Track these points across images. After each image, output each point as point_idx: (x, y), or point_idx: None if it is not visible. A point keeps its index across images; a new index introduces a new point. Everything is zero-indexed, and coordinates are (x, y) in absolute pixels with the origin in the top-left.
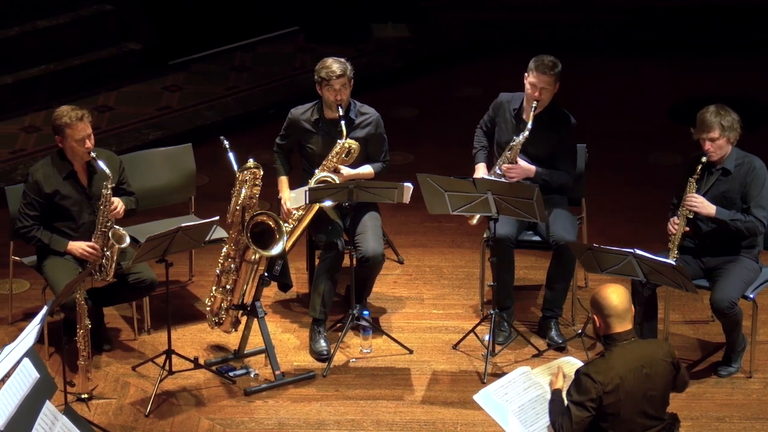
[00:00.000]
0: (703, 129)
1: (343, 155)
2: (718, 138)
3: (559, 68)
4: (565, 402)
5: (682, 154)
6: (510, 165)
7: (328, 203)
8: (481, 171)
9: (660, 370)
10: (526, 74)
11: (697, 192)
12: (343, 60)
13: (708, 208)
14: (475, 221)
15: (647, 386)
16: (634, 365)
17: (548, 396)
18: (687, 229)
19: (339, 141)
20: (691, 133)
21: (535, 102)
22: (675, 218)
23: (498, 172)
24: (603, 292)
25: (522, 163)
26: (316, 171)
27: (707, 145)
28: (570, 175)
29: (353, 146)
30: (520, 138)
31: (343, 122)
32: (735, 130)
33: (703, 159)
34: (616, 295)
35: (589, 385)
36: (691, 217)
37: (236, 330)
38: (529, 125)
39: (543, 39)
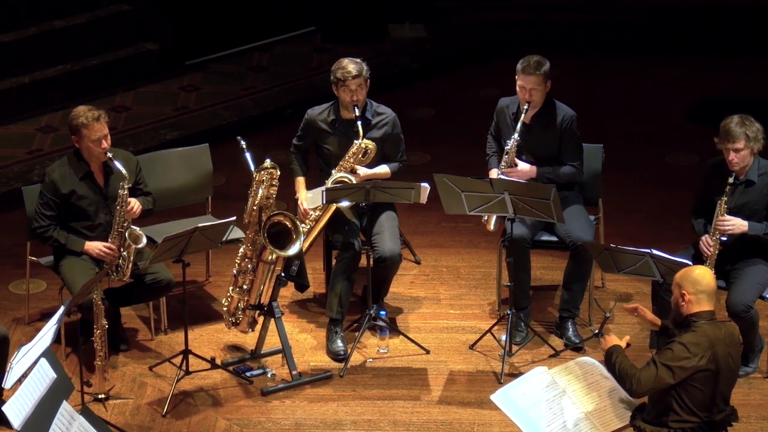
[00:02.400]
0: (728, 139)
1: (360, 155)
2: (743, 149)
3: (546, 67)
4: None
5: (699, 155)
6: (509, 169)
7: (345, 203)
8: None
9: (738, 352)
10: (516, 77)
11: (726, 208)
12: (358, 60)
13: (740, 227)
14: (491, 227)
15: (730, 366)
16: (721, 343)
17: (565, 396)
18: (721, 248)
19: (355, 141)
20: (714, 142)
21: (526, 104)
22: (707, 238)
23: (502, 177)
24: (697, 270)
25: (522, 165)
26: (333, 171)
27: (731, 156)
28: (576, 167)
29: (370, 146)
30: (512, 141)
31: (359, 122)
32: (759, 140)
33: (730, 180)
34: (708, 274)
35: (683, 353)
36: (725, 239)
37: (253, 330)
38: (518, 127)
39: (559, 39)
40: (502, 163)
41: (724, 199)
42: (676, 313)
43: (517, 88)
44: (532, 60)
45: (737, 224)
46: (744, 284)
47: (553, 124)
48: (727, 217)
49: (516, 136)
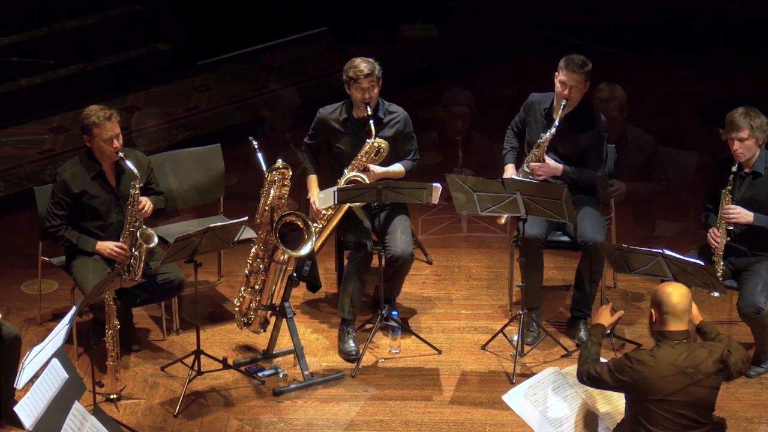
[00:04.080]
0: (732, 129)
1: (373, 154)
2: (747, 138)
3: (589, 67)
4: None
5: (712, 155)
6: (537, 163)
7: (357, 203)
8: (509, 172)
9: (706, 377)
10: (556, 73)
11: (732, 200)
12: (371, 60)
13: (746, 216)
14: (503, 220)
15: (689, 390)
16: (678, 366)
17: (576, 396)
18: (729, 239)
19: (368, 140)
20: (719, 133)
21: (564, 101)
22: (714, 230)
23: (526, 170)
24: (665, 289)
25: (549, 161)
26: (345, 171)
27: (735, 145)
28: (599, 173)
29: (382, 145)
30: (547, 135)
31: (371, 121)
32: (764, 132)
33: (734, 168)
34: (677, 294)
35: (625, 368)
36: (731, 228)
37: (265, 330)
38: (556, 122)
39: (571, 39)
40: (531, 155)
41: (729, 188)
42: (650, 329)
43: (557, 84)
44: (576, 58)
45: (742, 213)
46: (754, 286)
47: (583, 127)
48: (733, 206)
49: (552, 131)
